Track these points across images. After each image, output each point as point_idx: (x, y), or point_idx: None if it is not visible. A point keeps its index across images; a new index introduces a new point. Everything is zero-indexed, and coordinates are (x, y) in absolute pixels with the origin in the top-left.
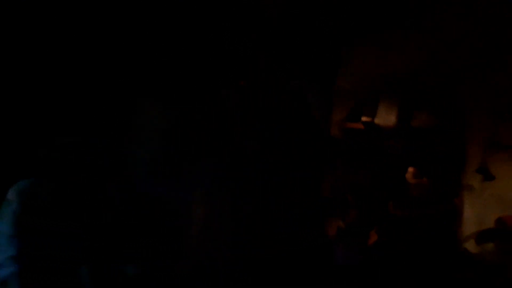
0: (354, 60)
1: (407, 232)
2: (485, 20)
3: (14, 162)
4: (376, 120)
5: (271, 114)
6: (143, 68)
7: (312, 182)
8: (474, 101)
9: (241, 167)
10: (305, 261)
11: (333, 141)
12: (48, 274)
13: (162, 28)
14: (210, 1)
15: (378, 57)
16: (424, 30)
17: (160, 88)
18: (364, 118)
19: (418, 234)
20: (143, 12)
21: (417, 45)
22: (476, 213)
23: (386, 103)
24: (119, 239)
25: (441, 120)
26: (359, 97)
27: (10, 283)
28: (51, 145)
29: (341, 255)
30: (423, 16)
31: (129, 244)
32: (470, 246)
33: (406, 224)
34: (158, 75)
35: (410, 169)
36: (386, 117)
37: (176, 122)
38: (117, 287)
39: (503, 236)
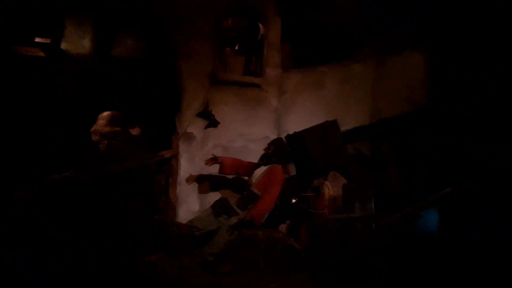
0: None
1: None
2: None
3: None
4: (63, 45)
5: None
6: None
7: None
8: (183, 25)
9: None
10: None
11: None
12: None
13: None
14: None
15: None
16: None
17: None
18: (37, 39)
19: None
20: None
21: None
22: (197, 169)
23: (75, 23)
24: None
25: (148, 48)
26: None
27: None
28: None
29: None
30: None
31: None
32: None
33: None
34: None
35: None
36: (77, 41)
37: None
38: None
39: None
